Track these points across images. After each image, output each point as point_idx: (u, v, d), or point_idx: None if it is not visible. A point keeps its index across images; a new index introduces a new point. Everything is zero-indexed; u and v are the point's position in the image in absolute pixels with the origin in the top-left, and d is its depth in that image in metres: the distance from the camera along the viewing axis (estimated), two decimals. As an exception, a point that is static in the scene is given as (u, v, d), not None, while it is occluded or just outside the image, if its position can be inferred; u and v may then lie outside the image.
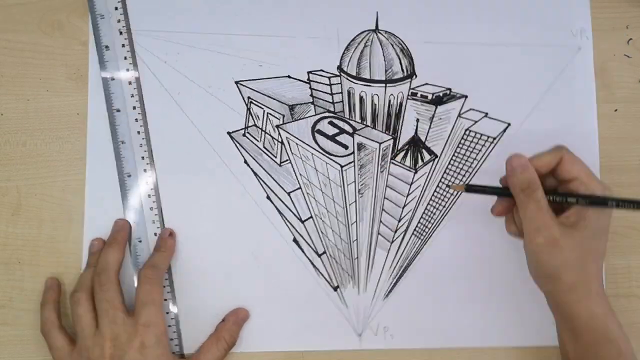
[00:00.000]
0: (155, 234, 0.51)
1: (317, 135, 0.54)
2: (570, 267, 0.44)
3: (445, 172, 0.55)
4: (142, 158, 0.52)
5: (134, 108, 0.52)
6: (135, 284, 0.50)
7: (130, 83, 0.52)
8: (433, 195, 0.55)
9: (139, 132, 0.52)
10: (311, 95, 0.55)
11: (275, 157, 0.54)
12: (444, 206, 0.55)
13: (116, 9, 0.53)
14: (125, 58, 0.52)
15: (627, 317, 0.54)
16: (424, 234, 0.54)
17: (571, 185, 0.46)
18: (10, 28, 0.53)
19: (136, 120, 0.52)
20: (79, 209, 0.52)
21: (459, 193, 0.55)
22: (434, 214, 0.55)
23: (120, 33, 0.53)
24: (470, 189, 0.49)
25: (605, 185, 0.46)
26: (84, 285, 0.48)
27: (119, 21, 0.53)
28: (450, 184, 0.55)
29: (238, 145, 0.53)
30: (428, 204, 0.55)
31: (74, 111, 0.53)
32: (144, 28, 0.53)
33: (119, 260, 0.49)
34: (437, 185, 0.55)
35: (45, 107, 0.53)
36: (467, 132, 0.56)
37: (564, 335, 0.47)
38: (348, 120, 0.55)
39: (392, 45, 0.56)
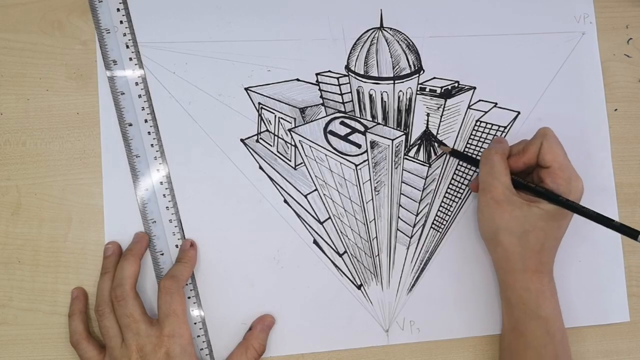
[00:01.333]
0: (177, 246, 0.51)
1: (329, 136, 0.54)
2: (510, 234, 0.48)
3: (459, 164, 0.55)
4: (157, 170, 0.52)
5: (146, 121, 0.52)
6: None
7: (140, 96, 0.52)
8: (448, 188, 0.55)
9: (152, 145, 0.52)
10: (321, 96, 0.55)
11: (290, 160, 0.54)
12: (460, 198, 0.55)
13: (121, 22, 0.52)
14: (134, 70, 0.52)
15: (629, 315, 0.56)
16: (442, 227, 0.55)
17: (542, 173, 0.49)
18: (10, 28, 0.53)
19: (149, 133, 0.52)
20: (79, 209, 0.52)
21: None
22: (451, 206, 0.55)
23: (127, 47, 0.52)
24: (455, 153, 0.54)
25: (573, 181, 0.48)
26: (104, 297, 0.48)
27: (124, 35, 0.52)
28: (440, 146, 0.55)
29: (252, 151, 0.53)
30: (444, 197, 0.55)
31: (73, 111, 0.52)
32: (150, 40, 0.53)
33: (135, 273, 0.49)
34: (452, 178, 0.55)
35: (45, 107, 0.52)
36: (478, 123, 0.56)
37: (502, 304, 0.51)
38: (359, 119, 0.55)
39: (398, 42, 0.56)
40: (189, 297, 0.51)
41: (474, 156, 0.55)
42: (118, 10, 0.53)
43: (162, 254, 0.51)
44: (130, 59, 0.53)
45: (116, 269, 0.49)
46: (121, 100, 0.52)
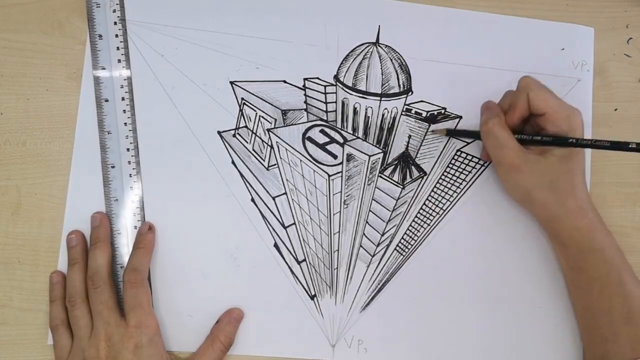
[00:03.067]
0: (135, 227, 0.51)
1: (307, 142, 0.54)
2: (540, 189, 0.49)
3: (433, 190, 0.55)
4: (128, 150, 0.52)
5: (123, 99, 0.52)
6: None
7: (120, 75, 0.52)
8: (419, 213, 0.55)
9: (125, 124, 0.52)
10: (305, 102, 0.54)
11: (264, 160, 0.54)
12: (429, 224, 0.54)
13: (111, -1, 0.53)
14: (118, 49, 0.52)
15: None
16: (407, 250, 0.54)
17: (540, 120, 0.50)
18: (10, 28, 0.53)
19: (124, 111, 0.52)
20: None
21: (445, 212, 0.54)
22: (418, 231, 0.54)
23: (115, 23, 0.52)
24: (451, 133, 0.55)
25: (572, 117, 0.49)
26: (77, 287, 0.48)
27: (114, 11, 0.52)
28: (434, 129, 0.55)
29: (227, 145, 0.53)
30: (413, 220, 0.54)
31: (73, 111, 0.52)
32: (142, 20, 0.53)
33: (109, 259, 0.49)
34: (424, 204, 0.55)
35: (45, 107, 0.52)
36: (459, 153, 0.55)
37: (555, 249, 0.53)
38: (340, 130, 0.55)
39: (391, 60, 0.56)
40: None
41: (471, 130, 0.55)
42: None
43: (119, 233, 0.51)
44: (117, 35, 0.53)
45: (88, 259, 0.49)
46: (100, 76, 0.52)
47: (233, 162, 0.53)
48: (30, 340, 0.50)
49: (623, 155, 0.56)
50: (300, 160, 0.53)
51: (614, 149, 0.46)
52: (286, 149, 0.54)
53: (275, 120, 0.54)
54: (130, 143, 0.52)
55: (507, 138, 0.49)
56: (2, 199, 0.51)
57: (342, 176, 0.54)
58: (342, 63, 0.55)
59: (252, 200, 0.53)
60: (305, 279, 0.53)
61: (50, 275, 0.50)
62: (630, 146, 0.45)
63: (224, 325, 0.50)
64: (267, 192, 0.53)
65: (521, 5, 0.58)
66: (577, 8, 0.59)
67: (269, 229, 0.53)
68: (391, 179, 0.54)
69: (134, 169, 0.52)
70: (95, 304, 0.47)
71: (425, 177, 0.55)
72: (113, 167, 0.51)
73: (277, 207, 0.53)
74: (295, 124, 0.54)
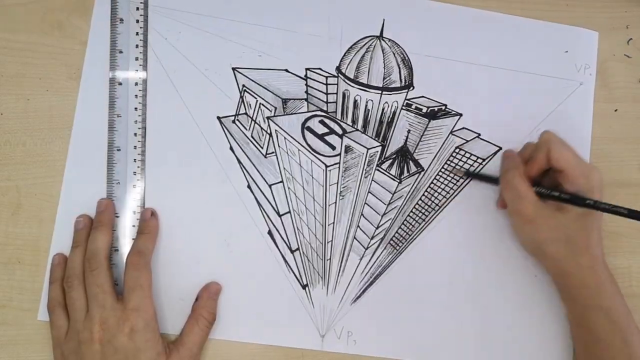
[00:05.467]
0: (134, 212, 0.51)
1: (306, 132, 0.54)
2: (553, 243, 0.49)
3: (429, 186, 0.55)
4: (135, 135, 0.52)
5: (136, 84, 0.52)
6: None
7: (137, 59, 0.52)
8: (414, 208, 0.55)
9: (136, 109, 0.52)
10: (306, 91, 0.55)
11: (262, 147, 0.54)
12: (424, 220, 0.54)
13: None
14: (137, 34, 0.53)
15: None
16: (400, 245, 0.54)
17: (558, 176, 0.49)
18: (10, 28, 0.53)
19: (136, 96, 0.52)
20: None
21: (441, 209, 0.54)
22: (413, 226, 0.54)
23: (137, 9, 0.53)
24: (469, 174, 0.55)
25: (591, 175, 0.48)
26: (76, 269, 0.48)
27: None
28: (452, 169, 0.55)
29: (226, 130, 0.53)
30: (408, 215, 0.54)
31: (74, 111, 0.52)
32: (149, 2, 0.53)
33: (109, 243, 0.49)
34: (420, 199, 0.55)
35: (45, 107, 0.52)
36: (457, 150, 0.55)
37: (564, 304, 0.52)
38: (339, 122, 0.55)
39: (394, 54, 0.56)
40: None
41: (491, 175, 0.54)
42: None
43: (118, 216, 0.51)
44: (137, 20, 0.53)
45: (88, 241, 0.49)
46: (118, 58, 0.52)
47: (231, 148, 0.53)
48: (30, 340, 0.50)
49: (623, 155, 0.56)
50: (299, 150, 0.54)
51: (632, 217, 0.45)
52: (285, 138, 0.54)
53: (276, 108, 0.54)
54: (139, 128, 0.52)
55: (526, 190, 0.49)
56: (2, 199, 0.51)
57: (339, 167, 0.54)
58: (344, 55, 0.55)
59: (248, 186, 0.53)
60: (297, 268, 0.53)
61: (52, 256, 0.50)
62: None
63: (205, 302, 0.50)
64: (264, 179, 0.53)
65: (521, 4, 0.58)
66: (577, 8, 0.59)
67: (263, 216, 0.53)
68: (388, 173, 0.54)
69: (139, 154, 0.52)
70: (91, 286, 0.47)
71: (422, 173, 0.55)
72: (119, 150, 0.51)
73: (273, 195, 0.53)
74: (295, 114, 0.54)
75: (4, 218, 0.51)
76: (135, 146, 0.52)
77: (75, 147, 0.52)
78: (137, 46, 0.53)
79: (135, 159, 0.52)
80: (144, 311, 0.46)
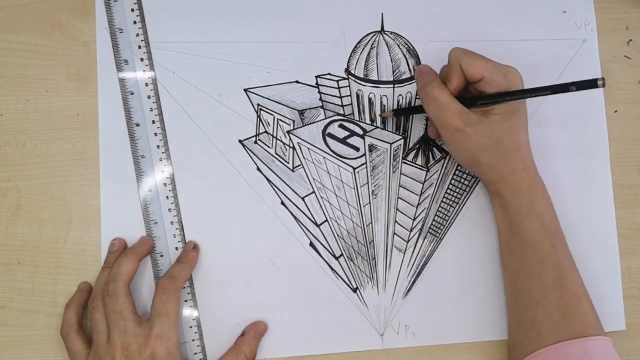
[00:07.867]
0: (177, 248, 0.51)
1: (328, 138, 0.54)
2: (486, 149, 0.48)
3: (457, 168, 0.55)
4: (162, 172, 0.52)
5: (153, 122, 0.52)
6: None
7: (149, 97, 0.52)
8: (446, 192, 0.55)
9: (158, 147, 0.52)
10: (320, 99, 0.55)
11: (288, 162, 0.54)
12: (458, 203, 0.55)
13: (134, 22, 0.53)
14: (144, 71, 0.53)
15: (627, 318, 0.55)
16: (439, 232, 0.55)
17: (479, 85, 0.49)
18: (10, 28, 0.53)
19: (155, 134, 0.52)
20: (79, 210, 0.52)
21: (472, 188, 0.55)
22: (448, 211, 0.55)
23: (139, 47, 0.53)
24: (398, 112, 0.54)
25: (509, 74, 0.48)
26: (101, 290, 0.47)
27: (137, 35, 0.53)
28: (380, 113, 0.55)
29: (250, 152, 0.53)
30: (442, 201, 0.55)
31: (74, 112, 0.52)
32: (150, 40, 0.53)
33: (132, 271, 0.48)
34: (450, 183, 0.55)
35: (45, 108, 0.52)
36: (477, 128, 0.56)
37: (495, 210, 0.52)
38: (358, 122, 0.55)
39: (399, 46, 0.56)
40: (185, 300, 0.51)
41: (418, 106, 0.53)
42: (132, 10, 0.53)
43: (162, 256, 0.51)
44: (142, 59, 0.53)
45: (113, 265, 0.48)
46: (130, 100, 0.52)
47: (258, 169, 0.53)
48: (30, 341, 0.50)
49: (623, 155, 0.57)
50: (324, 158, 0.54)
51: (555, 92, 0.46)
52: (308, 149, 0.54)
53: (294, 121, 0.54)
54: (165, 166, 0.52)
55: (448, 100, 0.47)
56: (2, 200, 0.52)
57: (366, 167, 0.54)
58: (351, 55, 0.55)
59: (282, 203, 0.53)
60: (345, 274, 0.53)
61: (80, 283, 0.50)
62: (571, 88, 0.45)
63: (250, 339, 0.50)
64: (296, 193, 0.53)
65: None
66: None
67: (302, 229, 0.53)
68: (415, 163, 0.55)
69: (170, 190, 0.52)
70: (110, 313, 0.46)
71: (448, 157, 0.55)
72: (150, 190, 0.52)
73: (307, 206, 0.54)
74: (313, 122, 0.54)
75: (4, 219, 0.51)
76: (165, 183, 0.52)
77: (106, 189, 0.52)
78: (146, 85, 0.53)
79: (167, 197, 0.52)
80: (167, 339, 0.46)
